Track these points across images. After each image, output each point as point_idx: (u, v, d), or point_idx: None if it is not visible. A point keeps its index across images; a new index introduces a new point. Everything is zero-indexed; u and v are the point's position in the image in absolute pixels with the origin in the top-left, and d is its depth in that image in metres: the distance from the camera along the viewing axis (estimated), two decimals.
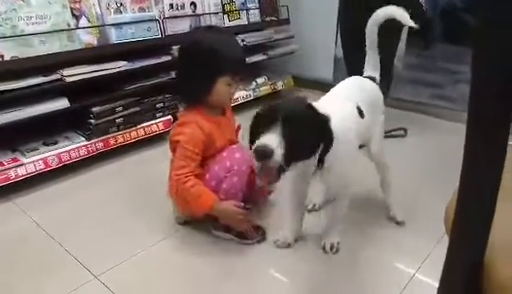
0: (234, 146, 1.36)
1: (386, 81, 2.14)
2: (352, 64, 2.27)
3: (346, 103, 1.28)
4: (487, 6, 0.42)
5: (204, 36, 1.33)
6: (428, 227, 1.45)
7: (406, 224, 1.48)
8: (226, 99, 1.37)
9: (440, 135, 2.27)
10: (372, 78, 1.46)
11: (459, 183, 0.50)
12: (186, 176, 1.27)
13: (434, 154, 2.03)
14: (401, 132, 2.24)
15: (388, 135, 2.23)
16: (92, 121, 1.83)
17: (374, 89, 1.43)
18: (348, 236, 1.41)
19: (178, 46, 1.38)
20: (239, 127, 1.49)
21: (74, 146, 1.79)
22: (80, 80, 1.73)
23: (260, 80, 2.68)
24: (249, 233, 1.37)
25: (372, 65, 1.49)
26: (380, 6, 1.77)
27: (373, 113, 1.36)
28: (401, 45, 2.49)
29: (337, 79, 2.99)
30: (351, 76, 2.26)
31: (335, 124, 1.10)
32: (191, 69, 1.29)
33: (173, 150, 1.35)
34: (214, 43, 1.27)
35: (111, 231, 1.45)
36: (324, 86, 2.88)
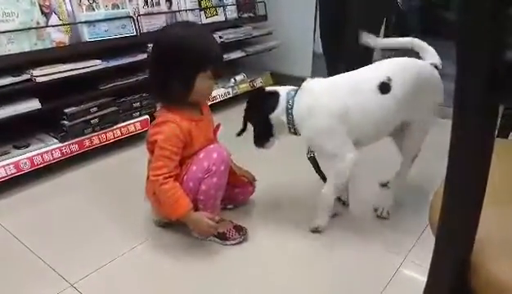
0: (211, 146, 1.32)
1: None
2: (330, 57, 2.27)
3: (345, 78, 1.36)
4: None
5: (179, 31, 1.28)
6: (410, 220, 1.46)
7: (391, 217, 1.48)
8: (206, 95, 1.35)
9: None
10: (432, 65, 1.38)
11: (445, 178, 0.49)
12: (165, 178, 1.23)
13: None
14: None
15: None
16: (66, 122, 1.77)
17: (424, 72, 1.34)
18: (331, 230, 1.40)
19: (152, 44, 1.31)
20: (218, 126, 1.46)
21: (47, 149, 1.72)
22: (52, 80, 1.67)
23: (239, 77, 2.65)
24: (230, 234, 1.34)
25: (430, 54, 1.41)
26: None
27: (414, 97, 1.30)
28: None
29: (315, 75, 3.01)
30: (330, 69, 2.28)
31: (303, 101, 1.31)
32: (169, 66, 1.24)
33: (151, 151, 1.30)
34: (191, 38, 1.24)
35: (88, 236, 1.40)
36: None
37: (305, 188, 1.66)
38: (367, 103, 1.29)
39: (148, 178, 1.31)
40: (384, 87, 1.28)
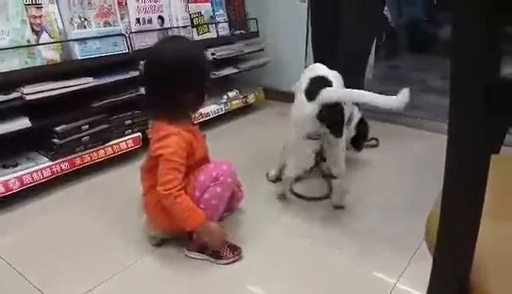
0: (221, 160, 1.35)
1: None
2: (320, 54, 2.27)
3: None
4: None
5: (177, 45, 1.32)
6: (405, 237, 1.45)
7: (384, 235, 1.47)
8: (204, 103, 1.38)
9: (412, 143, 2.31)
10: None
11: (441, 196, 0.48)
12: (178, 190, 1.22)
13: (407, 163, 2.05)
14: (374, 142, 2.26)
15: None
16: (56, 140, 1.75)
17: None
18: (325, 247, 1.39)
19: (149, 60, 1.31)
20: (204, 137, 1.45)
21: (36, 167, 1.69)
22: (42, 98, 1.65)
23: (231, 94, 2.65)
24: (224, 253, 1.32)
25: None
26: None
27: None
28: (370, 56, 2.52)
29: None
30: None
31: None
32: (183, 80, 1.25)
33: (153, 167, 1.28)
34: (192, 50, 1.32)
35: (79, 257, 1.37)
36: (295, 98, 2.93)
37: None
38: None
39: (146, 193, 1.32)
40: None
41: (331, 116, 1.45)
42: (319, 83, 1.49)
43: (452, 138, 0.45)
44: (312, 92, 1.46)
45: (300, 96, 1.50)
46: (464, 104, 0.43)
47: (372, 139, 2.26)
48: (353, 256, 1.37)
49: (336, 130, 1.48)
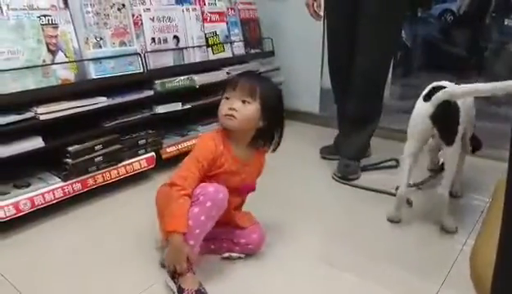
0: (216, 184, 1.24)
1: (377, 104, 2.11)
2: (339, 95, 2.24)
3: None
4: None
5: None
6: (433, 265, 1.36)
7: (408, 262, 1.39)
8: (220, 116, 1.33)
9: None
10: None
11: (500, 235, 0.42)
12: (185, 191, 1.18)
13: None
14: (393, 163, 2.19)
15: (379, 166, 2.18)
16: (69, 160, 1.71)
17: None
18: (348, 279, 1.31)
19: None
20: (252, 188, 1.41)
21: (48, 188, 1.66)
22: (56, 118, 1.63)
23: None
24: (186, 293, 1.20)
25: None
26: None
27: None
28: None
29: (323, 111, 2.98)
30: (337, 103, 2.26)
31: None
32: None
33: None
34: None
35: (88, 281, 1.32)
36: (310, 118, 2.89)
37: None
38: None
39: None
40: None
41: (443, 117, 1.46)
42: (439, 88, 1.49)
43: None
44: (429, 95, 1.50)
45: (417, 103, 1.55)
46: None
47: (391, 159, 2.19)
48: (375, 283, 1.29)
49: (446, 135, 1.50)
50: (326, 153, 2.32)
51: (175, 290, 1.21)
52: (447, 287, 1.26)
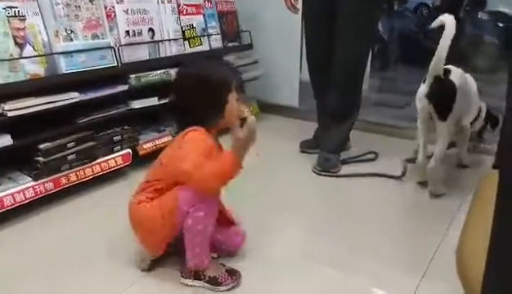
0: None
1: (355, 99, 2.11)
2: (319, 89, 2.23)
3: None
4: None
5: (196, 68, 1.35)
6: (411, 258, 1.37)
7: (388, 255, 1.39)
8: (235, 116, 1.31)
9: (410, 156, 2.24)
10: None
11: (491, 236, 0.40)
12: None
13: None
14: (372, 156, 2.19)
15: (358, 159, 2.19)
16: (40, 159, 1.64)
17: None
18: (329, 273, 1.30)
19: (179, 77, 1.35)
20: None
21: (18, 188, 1.59)
22: (25, 114, 1.56)
23: None
24: (222, 279, 1.22)
25: None
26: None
27: None
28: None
29: (303, 104, 2.96)
30: (317, 98, 2.25)
31: None
32: (201, 95, 1.25)
33: (177, 183, 1.20)
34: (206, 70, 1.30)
35: (62, 284, 1.27)
36: (290, 112, 2.87)
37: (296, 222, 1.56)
38: None
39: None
40: None
41: (438, 95, 1.65)
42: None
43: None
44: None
45: None
46: None
47: (370, 152, 2.20)
48: (364, 279, 1.29)
49: (440, 111, 1.65)
50: (306, 146, 2.31)
51: (206, 285, 1.23)
52: (428, 279, 1.26)
